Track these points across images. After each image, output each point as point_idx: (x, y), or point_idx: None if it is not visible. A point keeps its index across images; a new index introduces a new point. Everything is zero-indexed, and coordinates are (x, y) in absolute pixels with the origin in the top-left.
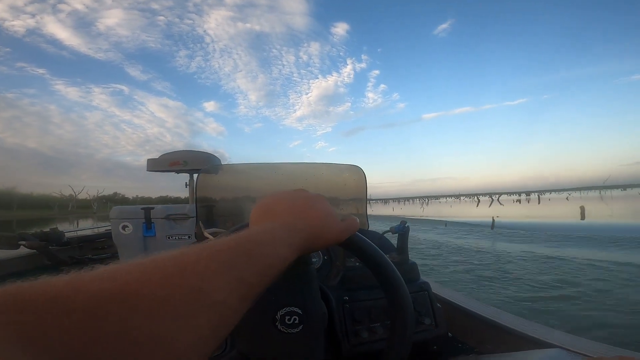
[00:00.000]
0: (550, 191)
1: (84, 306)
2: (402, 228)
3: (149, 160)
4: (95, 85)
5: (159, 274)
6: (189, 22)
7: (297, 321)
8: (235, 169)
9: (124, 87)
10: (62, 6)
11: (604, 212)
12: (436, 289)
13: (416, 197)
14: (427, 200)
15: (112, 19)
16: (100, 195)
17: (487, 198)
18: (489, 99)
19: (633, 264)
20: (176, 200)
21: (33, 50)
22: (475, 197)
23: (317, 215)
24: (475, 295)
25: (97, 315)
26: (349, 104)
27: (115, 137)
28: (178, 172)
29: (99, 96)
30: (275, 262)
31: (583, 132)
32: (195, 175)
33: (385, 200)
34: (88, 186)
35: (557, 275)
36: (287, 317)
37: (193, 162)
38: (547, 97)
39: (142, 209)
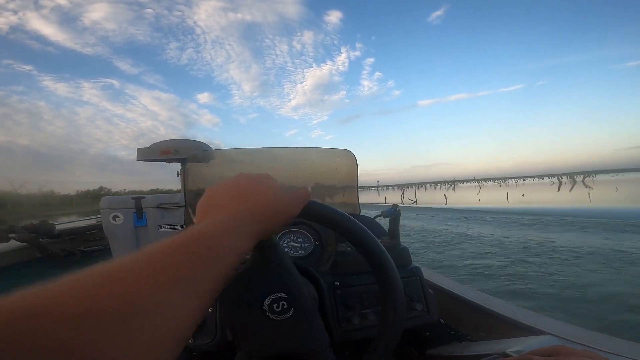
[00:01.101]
0: (545, 176)
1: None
2: (393, 212)
3: (139, 149)
4: (84, 80)
5: (85, 286)
6: (178, 14)
7: (285, 306)
8: (226, 155)
9: (114, 82)
10: (44, 2)
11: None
12: (428, 275)
13: (413, 184)
14: (425, 187)
15: (97, 13)
16: (84, 191)
17: (492, 183)
18: (485, 85)
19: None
20: (169, 193)
21: (18, 47)
22: (478, 183)
23: (264, 196)
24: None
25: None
26: (345, 92)
27: (108, 132)
28: (169, 161)
29: (89, 91)
30: (227, 254)
31: (578, 118)
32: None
33: (384, 187)
34: (83, 182)
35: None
36: (274, 305)
37: (184, 151)
38: (542, 83)
39: (132, 198)
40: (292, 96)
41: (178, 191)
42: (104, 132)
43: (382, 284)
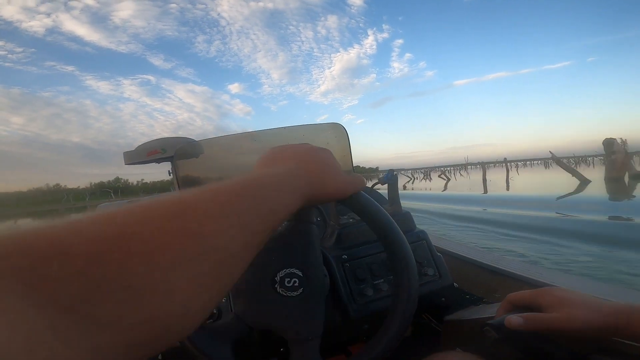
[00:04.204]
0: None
1: (84, 250)
2: (391, 177)
3: (125, 153)
4: (123, 78)
5: (158, 216)
6: (202, 6)
7: (297, 284)
8: (214, 145)
9: (150, 77)
10: (73, 3)
11: None
12: (434, 241)
13: (452, 166)
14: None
15: (125, 11)
16: (97, 183)
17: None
18: (526, 63)
19: None
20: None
21: (57, 48)
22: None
23: (321, 166)
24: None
25: (96, 260)
26: (374, 75)
27: (150, 126)
28: (159, 161)
29: (129, 87)
30: (280, 208)
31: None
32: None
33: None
34: (130, 174)
35: None
36: (286, 280)
37: (172, 149)
38: (593, 60)
39: (128, 202)
40: (320, 82)
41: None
42: (146, 126)
43: (394, 260)
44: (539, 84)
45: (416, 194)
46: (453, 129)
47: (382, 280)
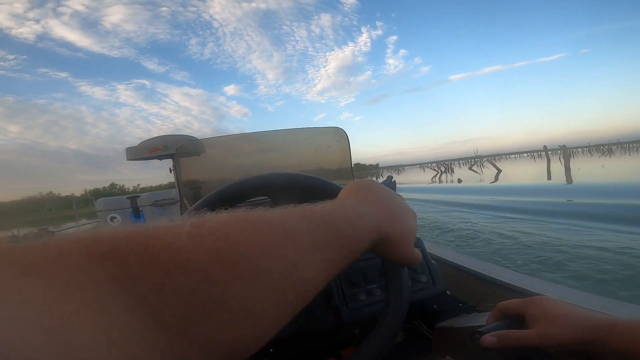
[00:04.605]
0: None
1: (201, 268)
2: (390, 183)
3: (127, 148)
4: (118, 83)
5: (264, 238)
6: (193, 9)
7: None
8: (215, 144)
9: (145, 82)
10: (62, 9)
11: None
12: (429, 247)
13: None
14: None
15: (115, 15)
16: (92, 189)
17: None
18: (521, 56)
19: None
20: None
21: (49, 55)
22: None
23: (404, 227)
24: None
25: (209, 279)
26: (370, 72)
27: (147, 130)
28: (160, 158)
29: (124, 92)
30: (358, 248)
31: (629, 86)
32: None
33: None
34: (126, 179)
35: None
36: None
37: (174, 146)
38: (587, 51)
39: (127, 198)
40: (316, 81)
41: (172, 186)
42: (143, 130)
43: (386, 266)
44: (534, 77)
45: (502, 187)
46: (451, 123)
47: (375, 285)
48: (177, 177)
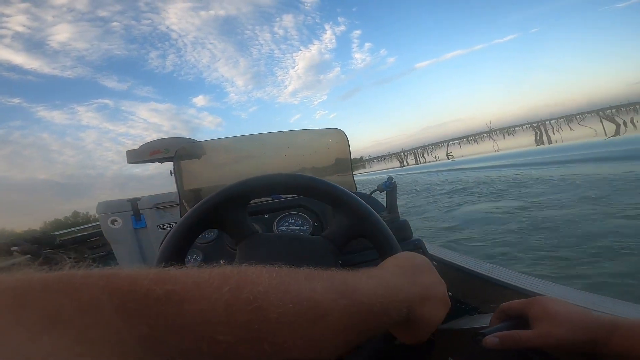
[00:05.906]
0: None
1: (229, 340)
2: (389, 185)
3: (128, 152)
4: (77, 104)
5: (297, 319)
6: (148, 22)
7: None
8: (215, 147)
9: (107, 101)
10: (1, 31)
11: None
12: (430, 249)
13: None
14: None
15: (62, 34)
16: (52, 221)
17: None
18: (478, 39)
19: None
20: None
21: None
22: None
23: (435, 309)
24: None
25: (235, 351)
26: (339, 68)
27: (118, 152)
28: (161, 161)
29: (86, 114)
30: (380, 330)
31: (579, 60)
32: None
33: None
34: (91, 207)
35: None
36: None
37: (175, 149)
38: (536, 31)
39: (128, 201)
40: (287, 82)
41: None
42: (114, 152)
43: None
44: (494, 59)
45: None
46: (423, 110)
47: None
48: (177, 179)
